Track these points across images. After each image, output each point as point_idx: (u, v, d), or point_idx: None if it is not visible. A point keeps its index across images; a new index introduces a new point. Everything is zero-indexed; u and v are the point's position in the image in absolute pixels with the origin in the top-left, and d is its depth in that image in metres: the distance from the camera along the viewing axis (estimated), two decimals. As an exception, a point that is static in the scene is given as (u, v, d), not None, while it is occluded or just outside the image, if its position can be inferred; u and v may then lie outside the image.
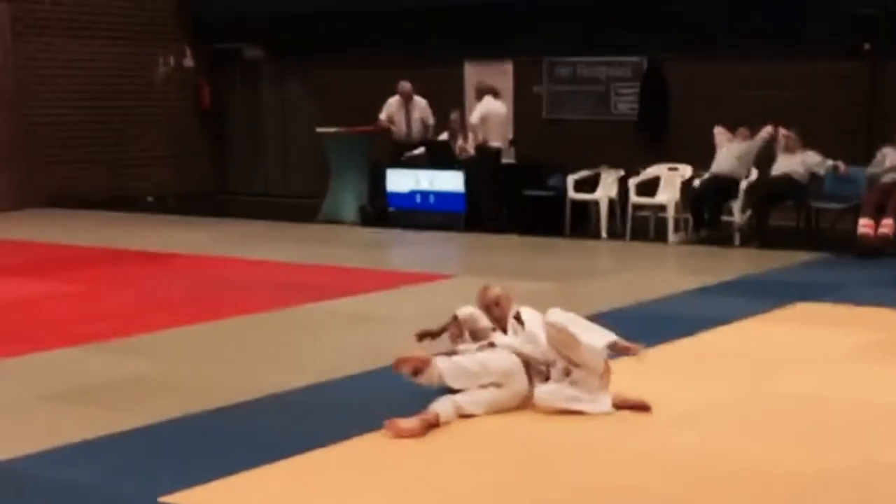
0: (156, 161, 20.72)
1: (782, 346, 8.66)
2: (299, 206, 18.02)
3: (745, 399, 7.10)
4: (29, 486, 5.74)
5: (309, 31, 19.94)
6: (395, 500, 5.49)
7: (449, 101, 17.40)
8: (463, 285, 10.36)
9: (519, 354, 6.86)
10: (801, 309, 10.05)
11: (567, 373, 6.74)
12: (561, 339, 6.71)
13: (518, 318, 7.15)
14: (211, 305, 10.55)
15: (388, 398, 6.99)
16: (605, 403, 6.70)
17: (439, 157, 16.40)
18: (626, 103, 17.91)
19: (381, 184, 16.60)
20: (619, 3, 16.89)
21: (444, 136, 16.91)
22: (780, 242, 13.62)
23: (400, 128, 17.08)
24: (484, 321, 7.18)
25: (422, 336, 7.47)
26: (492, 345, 6.93)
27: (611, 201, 15.08)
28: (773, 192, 14.06)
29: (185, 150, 21.13)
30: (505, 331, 7.14)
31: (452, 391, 6.68)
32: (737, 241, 13.97)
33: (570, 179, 15.29)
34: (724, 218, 14.33)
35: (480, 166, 16.03)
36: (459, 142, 16.61)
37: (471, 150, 16.34)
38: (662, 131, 17.27)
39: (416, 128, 17.10)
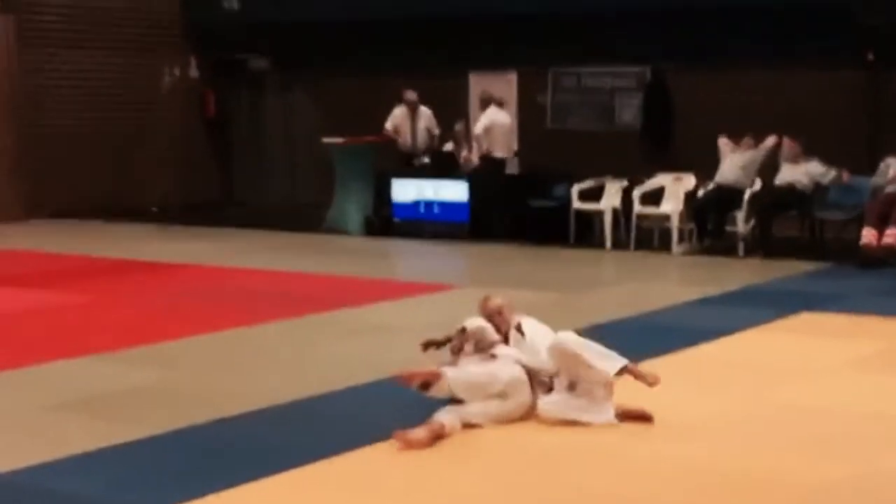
0: (161, 171, 20.75)
1: (785, 356, 8.67)
2: (304, 215, 18.03)
3: (748, 409, 7.10)
4: (33, 497, 5.76)
5: (314, 42, 19.99)
6: (398, 510, 5.51)
7: (453, 111, 17.44)
8: (467, 296, 10.37)
9: (523, 366, 6.87)
10: (805, 319, 10.05)
11: (572, 387, 6.75)
12: (568, 363, 6.71)
13: (519, 328, 7.16)
14: (215, 316, 10.57)
15: (393, 409, 7.00)
16: (607, 414, 6.71)
17: (444, 168, 16.43)
18: (630, 113, 17.94)
19: (386, 194, 16.62)
20: (623, 14, 16.92)
21: (448, 147, 16.93)
22: (784, 252, 13.62)
23: (405, 138, 17.09)
24: (492, 334, 7.17)
25: (427, 345, 7.48)
26: (493, 356, 6.93)
27: (615, 211, 15.08)
28: (776, 202, 14.07)
29: (191, 161, 21.15)
30: (507, 340, 7.15)
31: (456, 401, 6.69)
32: (741, 251, 13.97)
33: (575, 189, 15.30)
34: (728, 228, 14.34)
35: (485, 176, 16.05)
36: (464, 152, 16.63)
37: (475, 161, 16.36)
38: (666, 141, 17.29)
39: (422, 137, 17.11)
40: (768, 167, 14.46)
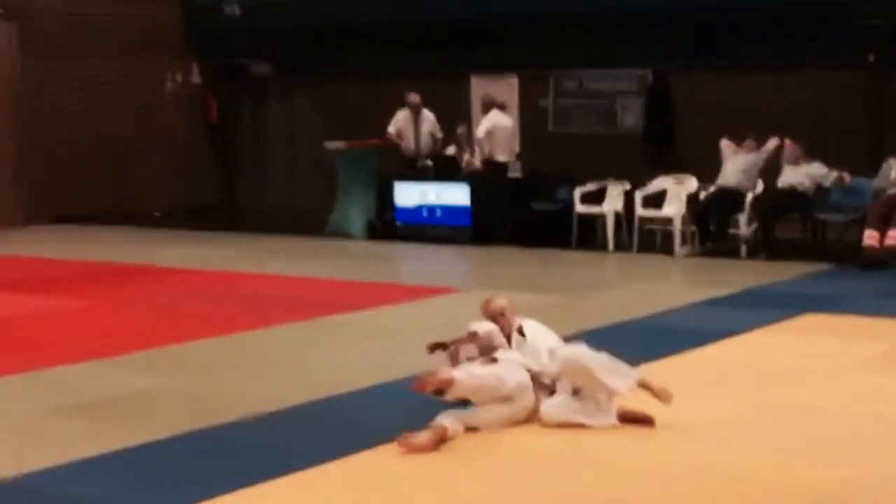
0: (163, 176, 20.77)
1: (789, 357, 8.67)
2: (307, 220, 18.04)
3: (752, 411, 7.11)
4: (37, 501, 5.77)
5: (315, 46, 20.01)
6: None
7: (455, 115, 17.45)
8: (470, 299, 10.37)
9: (527, 369, 6.88)
10: (808, 320, 10.06)
11: (575, 391, 6.76)
12: (581, 379, 6.72)
13: (521, 331, 7.17)
14: (219, 320, 10.58)
15: (397, 412, 7.02)
16: (610, 417, 6.72)
17: (446, 171, 16.45)
18: (631, 116, 17.94)
19: (389, 197, 16.63)
20: (625, 17, 16.91)
21: (450, 150, 16.95)
22: (787, 254, 13.62)
23: (408, 141, 17.09)
24: (500, 338, 7.16)
25: (433, 348, 7.46)
26: (494, 360, 6.92)
27: (617, 214, 15.08)
28: (779, 204, 14.07)
29: (193, 166, 21.17)
30: (509, 342, 7.16)
31: (459, 404, 6.70)
32: (743, 253, 13.97)
33: (577, 193, 15.31)
34: (731, 230, 14.34)
35: (487, 180, 16.06)
36: (466, 156, 16.65)
37: (477, 164, 16.38)
38: (668, 144, 17.29)
39: (425, 141, 17.11)
40: (770, 169, 14.47)
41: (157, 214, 19.91)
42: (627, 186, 15.21)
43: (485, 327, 7.19)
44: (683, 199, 14.68)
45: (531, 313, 7.53)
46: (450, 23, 18.17)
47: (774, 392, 7.55)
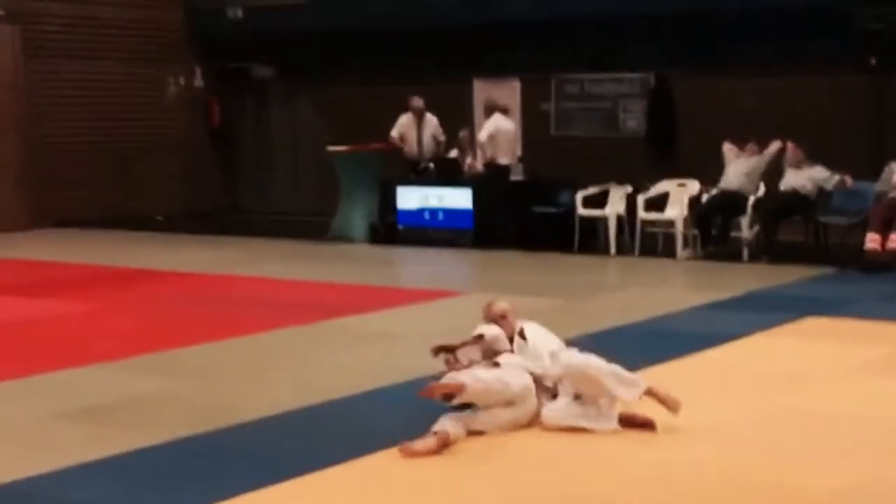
0: (166, 180, 20.79)
1: (791, 361, 8.67)
2: (309, 223, 18.06)
3: (754, 414, 7.10)
4: (41, 505, 5.79)
5: (318, 50, 20.02)
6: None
7: (457, 119, 17.46)
8: (472, 302, 10.38)
9: (530, 373, 6.87)
10: (810, 324, 10.06)
11: (577, 394, 6.76)
12: (588, 389, 6.71)
13: (522, 334, 7.17)
14: (221, 324, 10.59)
15: (398, 416, 7.03)
16: (611, 421, 6.71)
17: (448, 175, 16.46)
18: (633, 120, 17.95)
19: (391, 201, 16.64)
20: (626, 20, 16.93)
21: (453, 154, 16.96)
22: (789, 257, 13.62)
23: (411, 145, 17.09)
24: (505, 343, 7.15)
25: (438, 350, 7.43)
26: (496, 364, 6.92)
27: (619, 217, 15.09)
28: (781, 207, 14.07)
29: (195, 169, 21.18)
30: (511, 345, 7.15)
31: (460, 407, 6.70)
32: (745, 256, 13.98)
33: (579, 196, 15.31)
34: (733, 233, 14.34)
35: (489, 183, 16.07)
36: (468, 159, 16.66)
37: (479, 168, 16.38)
38: (670, 147, 17.30)
39: (428, 145, 17.11)
40: (772, 172, 14.47)
41: (159, 218, 19.92)
42: (629, 190, 15.21)
43: (491, 331, 7.16)
44: (685, 202, 14.68)
45: (533, 317, 7.52)
46: (452, 27, 18.19)
47: (776, 396, 7.55)
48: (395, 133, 17.05)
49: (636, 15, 16.80)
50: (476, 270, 14.69)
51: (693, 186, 14.88)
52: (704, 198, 14.60)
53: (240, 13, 20.40)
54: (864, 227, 13.31)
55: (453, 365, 7.10)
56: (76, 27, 19.68)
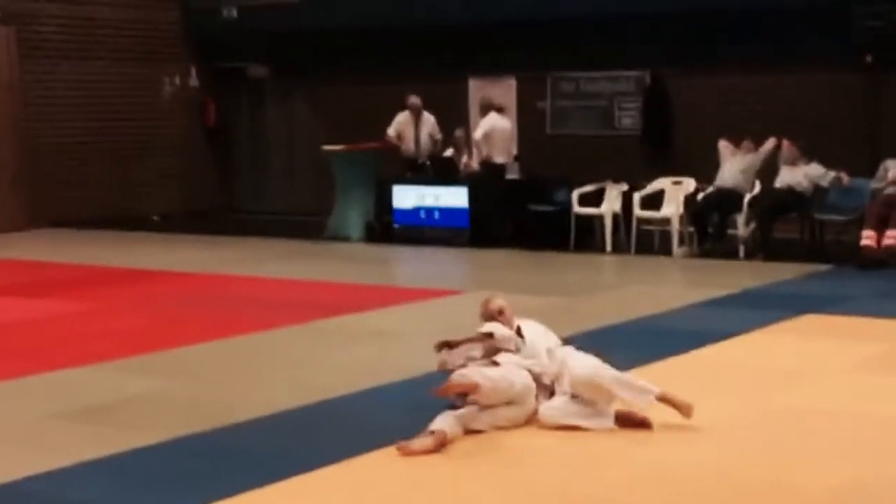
0: (162, 180, 20.78)
1: (788, 358, 8.67)
2: (305, 223, 18.05)
3: (751, 412, 7.10)
4: (39, 505, 5.79)
5: (313, 49, 20.02)
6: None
7: (453, 117, 17.46)
8: (469, 301, 10.38)
9: (529, 371, 6.87)
10: (807, 321, 10.06)
11: (575, 395, 6.76)
12: (599, 397, 6.71)
13: (519, 332, 7.16)
14: (219, 323, 10.58)
15: (396, 414, 7.03)
16: (608, 420, 6.72)
17: (444, 173, 16.46)
18: (629, 118, 17.95)
19: (387, 200, 16.64)
20: (622, 18, 16.92)
21: (448, 152, 16.96)
22: (785, 255, 13.63)
23: (409, 144, 17.09)
24: (511, 344, 7.12)
25: (441, 346, 7.42)
26: (495, 363, 6.91)
27: (615, 215, 15.10)
28: (776, 205, 14.08)
29: (191, 169, 21.17)
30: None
31: (456, 406, 6.70)
32: (741, 253, 13.99)
33: (575, 194, 15.31)
34: (729, 231, 14.36)
35: (485, 182, 16.07)
36: (464, 158, 16.66)
37: (475, 166, 16.38)
38: (666, 145, 17.31)
39: (426, 143, 17.11)
40: (767, 170, 14.48)
41: (155, 218, 19.92)
42: (625, 188, 15.22)
43: (502, 331, 7.12)
44: (681, 200, 14.69)
45: (530, 315, 7.52)
46: (448, 25, 18.19)
47: (773, 393, 7.55)
48: (391, 131, 17.04)
49: (632, 13, 16.79)
50: (472, 269, 14.69)
51: (689, 184, 14.88)
52: (700, 195, 14.61)
53: (235, 13, 20.39)
54: (860, 225, 13.32)
55: (446, 365, 7.10)
56: (71, 27, 19.66)
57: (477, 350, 7.09)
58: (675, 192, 14.82)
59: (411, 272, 14.90)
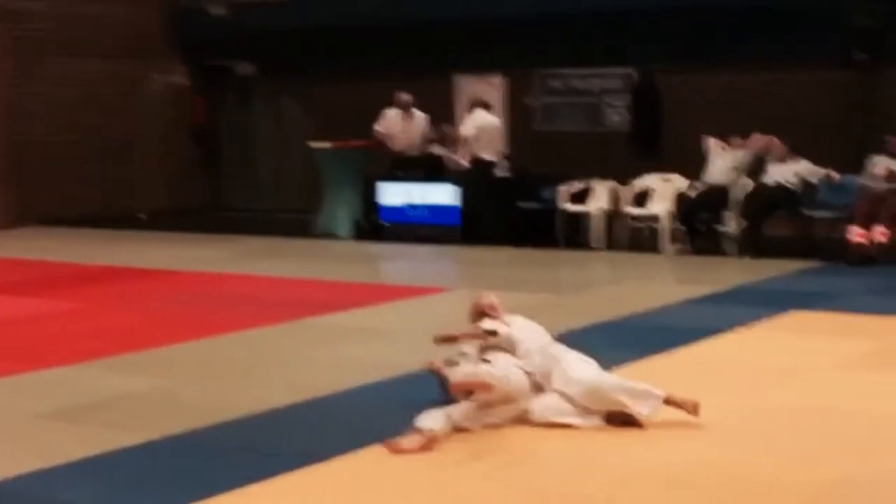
0: (150, 178, 20.75)
1: (778, 355, 8.67)
2: (294, 220, 18.03)
3: (742, 408, 7.09)
4: (28, 504, 5.75)
5: (300, 47, 19.99)
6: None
7: (441, 115, 17.44)
8: (459, 298, 10.37)
9: (519, 369, 6.85)
10: (797, 318, 10.07)
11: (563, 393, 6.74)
12: (602, 405, 6.69)
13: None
14: (208, 322, 10.55)
15: (387, 412, 7.00)
16: (598, 418, 6.69)
17: (431, 170, 16.44)
18: (618, 115, 17.96)
19: (376, 198, 16.61)
20: (611, 15, 16.93)
21: (437, 150, 16.92)
22: (775, 251, 13.65)
23: (398, 140, 17.06)
24: (512, 346, 7.08)
25: (441, 340, 7.37)
26: (486, 361, 6.88)
27: (604, 213, 15.10)
28: (766, 202, 14.09)
29: (179, 167, 21.14)
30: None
31: (448, 403, 6.68)
32: (731, 250, 13.99)
33: (564, 191, 15.31)
34: (719, 228, 14.36)
35: (474, 179, 16.06)
36: (452, 155, 16.63)
37: (464, 163, 16.36)
38: (655, 142, 17.31)
39: (415, 140, 17.08)
40: (755, 167, 14.49)
41: (143, 216, 19.88)
42: (614, 184, 15.22)
43: (503, 329, 7.10)
44: (670, 196, 14.70)
45: (521, 313, 7.50)
46: (435, 23, 18.18)
47: (764, 390, 7.55)
48: (380, 127, 16.98)
49: (620, 10, 16.81)
50: (462, 267, 14.68)
51: (678, 181, 14.89)
52: (689, 192, 14.61)
53: (223, 10, 20.37)
54: (849, 221, 13.34)
55: (440, 366, 7.07)
56: (61, 26, 19.62)
57: (470, 346, 7.07)
58: (665, 189, 14.82)
59: (401, 270, 14.88)
